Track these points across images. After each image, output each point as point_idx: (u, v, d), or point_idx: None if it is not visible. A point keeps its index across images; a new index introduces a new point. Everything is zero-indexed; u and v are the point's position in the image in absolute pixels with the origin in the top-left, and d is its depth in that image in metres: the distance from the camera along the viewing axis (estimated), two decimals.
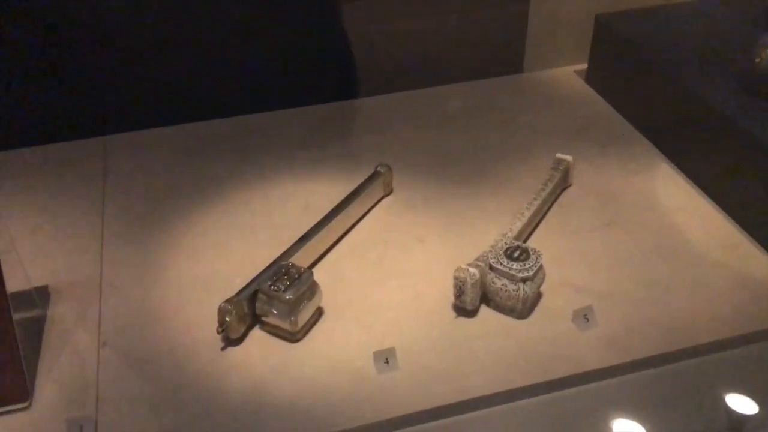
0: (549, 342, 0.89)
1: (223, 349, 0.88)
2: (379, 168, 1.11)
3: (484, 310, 0.93)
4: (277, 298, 0.86)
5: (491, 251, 0.91)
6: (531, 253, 0.90)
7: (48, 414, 0.81)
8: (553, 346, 0.88)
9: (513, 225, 0.98)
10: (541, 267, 0.90)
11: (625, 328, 0.90)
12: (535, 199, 1.03)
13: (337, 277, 0.99)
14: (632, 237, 1.04)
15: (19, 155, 1.24)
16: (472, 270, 0.89)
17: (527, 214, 1.01)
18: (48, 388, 0.84)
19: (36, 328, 0.90)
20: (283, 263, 0.90)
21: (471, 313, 0.92)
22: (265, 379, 0.85)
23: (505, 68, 1.44)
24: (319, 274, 0.98)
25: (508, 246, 0.91)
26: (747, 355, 0.89)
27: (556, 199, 1.11)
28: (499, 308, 0.92)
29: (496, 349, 0.88)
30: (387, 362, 0.85)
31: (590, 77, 1.41)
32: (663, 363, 0.86)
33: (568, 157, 1.11)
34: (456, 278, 0.89)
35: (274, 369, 0.86)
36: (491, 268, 0.90)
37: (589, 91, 1.40)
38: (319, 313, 0.92)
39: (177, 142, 1.27)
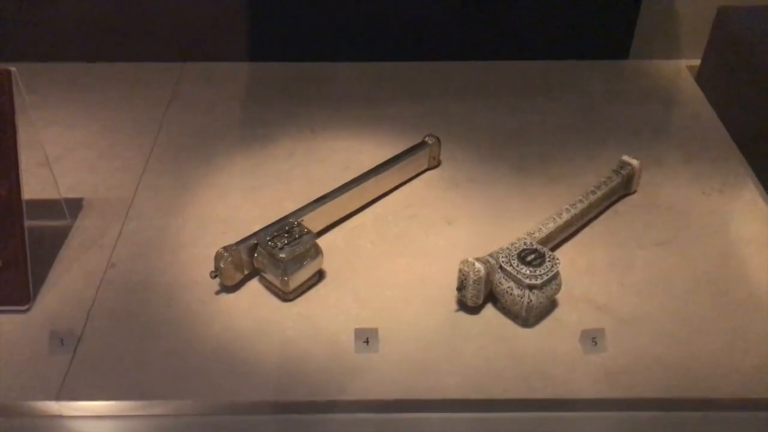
0: (545, 358, 0.81)
1: (216, 293, 0.88)
2: (426, 138, 1.05)
3: (489, 310, 0.87)
4: (272, 255, 0.84)
5: (508, 249, 0.85)
6: (547, 259, 0.82)
7: (40, 322, 0.85)
8: (548, 364, 0.81)
9: (545, 225, 0.90)
10: (555, 276, 0.82)
11: (635, 362, 0.81)
12: (580, 201, 0.94)
13: (351, 243, 0.96)
14: (683, 262, 0.93)
15: (95, 68, 1.29)
16: (478, 265, 0.82)
17: (565, 217, 0.92)
18: (49, 297, 0.88)
19: (59, 238, 0.95)
20: (290, 221, 0.88)
21: (473, 310, 0.86)
22: (244, 331, 0.84)
23: (610, 52, 1.32)
24: (334, 237, 0.97)
25: (525, 248, 0.84)
26: (758, 421, 0.77)
27: (611, 204, 1.01)
28: (505, 311, 0.85)
29: (485, 354, 0.82)
30: (367, 342, 0.81)
31: (701, 75, 1.25)
32: (659, 409, 0.77)
33: (635, 162, 1.00)
34: (460, 270, 0.83)
35: (258, 323, 0.85)
36: (501, 267, 0.83)
37: (696, 91, 1.25)
38: (318, 276, 0.90)
39: (247, 79, 1.27)
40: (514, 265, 0.82)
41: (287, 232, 0.86)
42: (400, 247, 0.95)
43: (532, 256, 0.83)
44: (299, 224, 0.88)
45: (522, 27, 1.28)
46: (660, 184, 1.05)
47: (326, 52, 1.29)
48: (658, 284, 0.90)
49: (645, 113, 1.19)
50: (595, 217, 0.99)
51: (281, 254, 0.84)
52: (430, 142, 1.05)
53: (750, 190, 1.04)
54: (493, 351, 0.82)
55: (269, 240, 0.85)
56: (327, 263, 0.91)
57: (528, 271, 0.81)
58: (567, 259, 0.93)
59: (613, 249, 0.95)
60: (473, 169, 1.08)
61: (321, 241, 0.95)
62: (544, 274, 0.81)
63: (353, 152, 1.09)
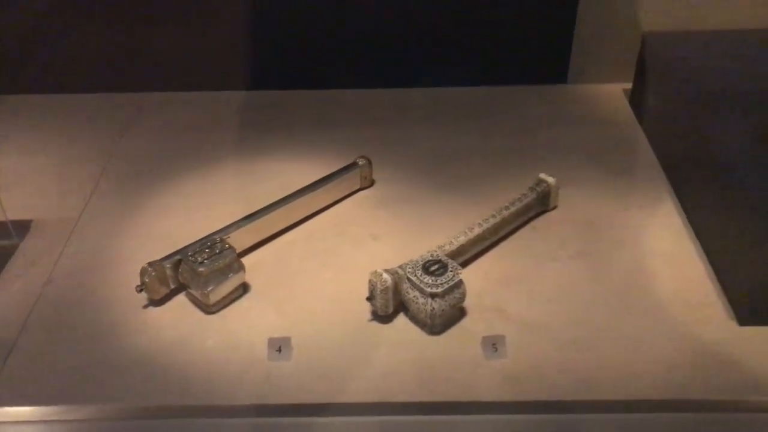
0: (449, 364, 0.85)
1: (144, 307, 0.94)
2: (358, 160, 1.11)
3: (401, 319, 0.91)
4: (193, 269, 0.89)
5: (415, 261, 0.89)
6: (449, 269, 0.87)
7: None
8: (450, 369, 0.85)
9: (455, 239, 0.95)
10: (457, 285, 0.87)
11: (535, 367, 0.85)
12: (493, 216, 0.99)
13: (279, 259, 1.01)
14: (593, 274, 0.97)
15: (53, 99, 1.37)
16: (385, 276, 0.87)
17: (476, 231, 0.96)
18: None
19: (3, 257, 1.01)
20: (213, 237, 0.94)
21: (385, 319, 0.91)
22: (167, 342, 0.89)
23: (548, 77, 1.37)
24: (264, 253, 1.02)
25: (430, 259, 0.88)
26: (654, 423, 0.80)
27: (529, 220, 1.05)
28: (414, 319, 0.90)
29: (393, 360, 0.86)
30: (279, 350, 0.86)
31: (633, 98, 1.31)
32: (557, 411, 0.81)
33: (551, 179, 1.05)
34: (369, 281, 0.88)
35: (180, 335, 0.90)
36: (407, 277, 0.88)
37: (629, 114, 1.30)
38: (243, 290, 0.95)
39: (199, 108, 1.34)
40: (418, 275, 0.87)
41: (209, 247, 0.91)
42: (326, 263, 1.00)
43: (436, 267, 0.87)
44: (221, 240, 0.93)
45: (463, 54, 1.34)
46: (582, 200, 1.10)
47: (276, 80, 1.36)
48: (566, 294, 0.94)
49: (579, 135, 1.24)
50: (513, 232, 1.04)
51: (200, 268, 0.89)
52: (361, 163, 1.11)
53: (667, 207, 1.08)
54: (400, 357, 0.87)
55: (191, 255, 0.90)
56: (253, 277, 0.96)
57: (430, 281, 0.86)
58: (481, 270, 0.98)
59: (528, 261, 0.99)
60: (405, 189, 1.13)
61: (250, 257, 1.00)
62: (445, 282, 0.86)
63: (296, 174, 1.14)
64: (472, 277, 0.96)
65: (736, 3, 1.26)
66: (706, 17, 1.25)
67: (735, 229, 0.90)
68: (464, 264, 0.98)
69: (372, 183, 1.13)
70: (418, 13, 1.31)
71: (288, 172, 1.16)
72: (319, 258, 1.01)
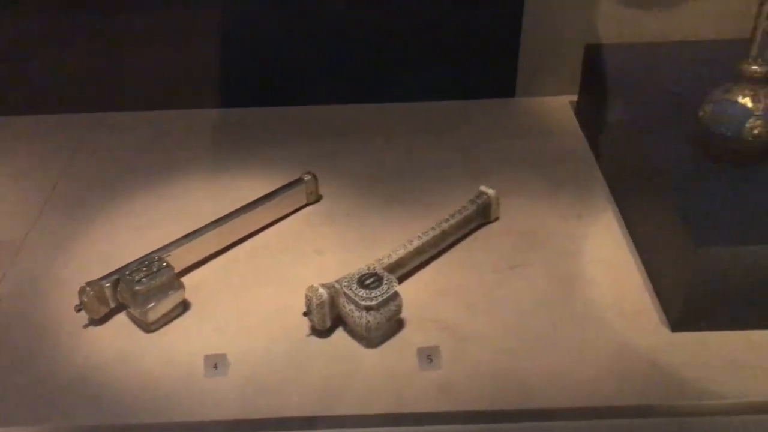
0: (385, 376, 0.86)
1: (85, 326, 0.94)
2: (303, 175, 1.12)
3: (340, 333, 0.92)
4: (130, 288, 0.90)
5: (352, 275, 0.90)
6: (384, 282, 0.88)
7: None
8: (386, 381, 0.85)
9: (395, 252, 0.96)
10: (392, 298, 0.88)
11: (470, 377, 0.86)
12: (432, 229, 1.00)
13: (221, 276, 1.01)
14: (532, 283, 0.98)
15: (2, 121, 1.37)
16: (321, 290, 0.88)
17: (416, 243, 0.98)
18: None
19: None
20: (151, 255, 0.94)
21: (324, 334, 0.91)
22: (106, 361, 0.89)
23: (497, 91, 1.39)
24: (206, 270, 1.02)
25: (366, 272, 0.89)
26: (588, 430, 0.82)
27: (471, 231, 1.07)
28: (352, 333, 0.91)
29: (330, 373, 0.87)
30: (216, 367, 0.86)
31: (578, 110, 1.33)
32: (491, 421, 0.82)
33: (491, 191, 1.06)
34: (306, 296, 0.89)
35: (119, 353, 0.90)
36: (344, 291, 0.88)
37: (574, 125, 1.32)
38: (183, 308, 0.95)
39: (152, 127, 1.34)
40: (354, 289, 0.88)
41: (147, 266, 0.92)
42: (269, 279, 1.01)
43: (371, 280, 0.88)
44: (160, 258, 0.93)
45: (412, 70, 1.36)
46: (524, 211, 1.11)
47: (230, 98, 1.37)
48: (504, 304, 0.96)
49: (525, 147, 1.26)
50: (455, 243, 1.05)
51: (138, 287, 0.89)
52: (306, 178, 1.12)
53: (608, 216, 1.09)
54: (337, 371, 0.87)
55: (128, 274, 0.91)
56: (195, 295, 0.97)
57: (365, 294, 0.87)
58: (422, 282, 0.99)
59: (468, 272, 1.01)
60: (352, 204, 1.14)
61: (193, 274, 1.01)
62: (379, 296, 0.87)
63: (249, 191, 1.13)
64: (412, 288, 0.97)
65: (676, 16, 1.29)
66: (646, 29, 1.28)
67: (667, 236, 0.92)
68: (405, 276, 0.99)
69: (319, 198, 1.14)
70: (367, 31, 1.33)
71: (240, 190, 1.16)
72: (262, 274, 1.02)
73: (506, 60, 1.36)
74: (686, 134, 1.00)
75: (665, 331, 0.91)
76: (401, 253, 0.96)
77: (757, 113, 0.90)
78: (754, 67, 0.90)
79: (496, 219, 1.09)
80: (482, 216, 1.07)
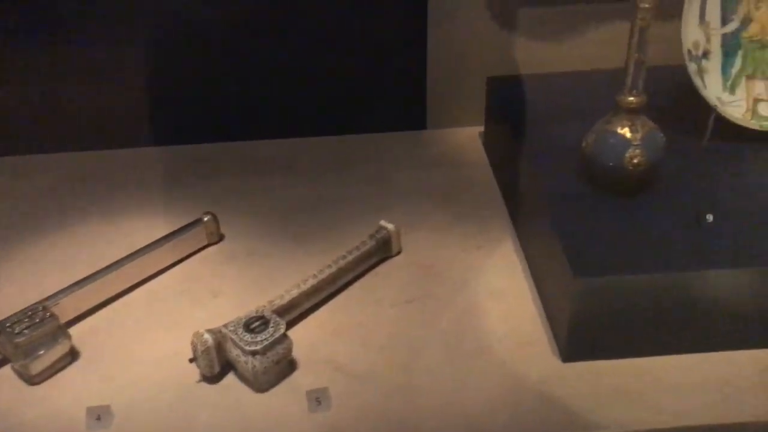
0: (273, 421, 0.85)
1: None
2: (202, 216, 1.11)
3: (230, 378, 0.90)
4: (11, 340, 0.87)
5: (239, 319, 0.89)
6: (271, 325, 0.87)
7: None
8: (274, 426, 0.84)
9: (288, 293, 0.95)
10: (279, 341, 0.87)
11: (360, 418, 0.85)
12: (329, 267, 1.00)
13: (114, 323, 0.99)
14: (429, 317, 0.98)
15: None
16: (206, 336, 0.87)
17: (311, 282, 0.97)
18: None
19: None
20: (36, 305, 0.92)
21: (214, 379, 0.90)
22: None
23: (408, 123, 1.40)
24: (98, 318, 1.00)
25: (252, 316, 0.88)
26: None
27: (372, 267, 1.07)
28: (242, 378, 0.89)
29: (216, 421, 0.85)
30: (99, 419, 0.84)
31: (485, 141, 1.34)
32: None
33: (390, 226, 1.07)
34: (191, 342, 0.87)
35: (1, 408, 0.87)
36: (230, 336, 0.87)
37: (482, 156, 1.33)
38: (71, 358, 0.93)
39: (52, 171, 1.30)
40: (239, 333, 0.86)
41: (29, 316, 0.89)
42: (162, 324, 0.99)
43: (257, 323, 0.87)
44: (44, 308, 0.91)
45: (319, 104, 1.36)
46: (426, 244, 1.11)
47: (128, 137, 1.35)
48: (399, 340, 0.95)
49: (432, 180, 1.26)
50: (355, 280, 1.05)
51: (18, 339, 0.87)
52: (205, 219, 1.10)
53: (507, 247, 1.10)
54: (224, 418, 0.86)
55: (9, 326, 0.88)
56: (84, 344, 0.95)
57: (249, 338, 0.86)
58: (318, 321, 0.99)
59: (366, 309, 1.00)
60: (254, 243, 1.13)
61: (84, 323, 0.99)
62: (264, 339, 0.85)
63: (145, 234, 1.11)
64: (307, 329, 0.97)
65: (577, 46, 1.32)
66: (548, 60, 1.30)
67: (553, 266, 0.93)
68: (301, 316, 0.98)
69: (220, 238, 1.13)
70: (274, 65, 1.33)
71: (138, 233, 1.14)
72: (156, 319, 0.99)
73: (415, 92, 1.37)
74: (574, 164, 1.02)
75: (557, 361, 0.92)
76: (294, 293, 0.95)
77: (636, 143, 0.92)
78: (630, 98, 0.92)
79: (398, 253, 1.10)
80: (383, 251, 1.07)
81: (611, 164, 0.93)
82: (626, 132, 0.92)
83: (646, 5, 0.84)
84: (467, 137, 1.39)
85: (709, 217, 0.89)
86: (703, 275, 0.85)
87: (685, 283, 0.85)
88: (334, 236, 1.13)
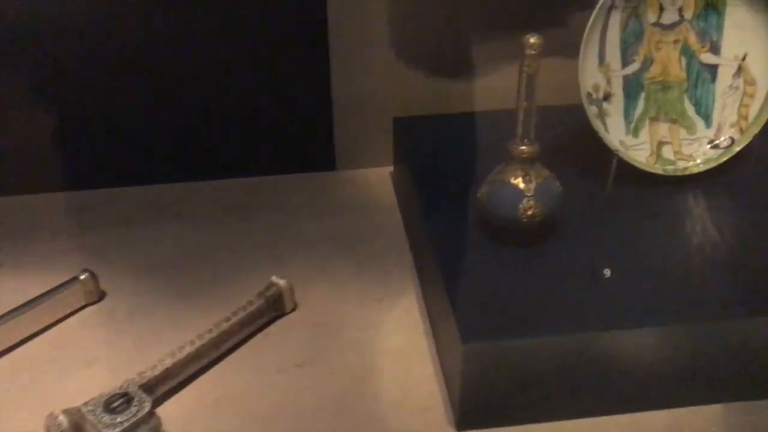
0: None
1: None
2: (80, 274, 1.02)
3: None
4: None
5: (100, 396, 0.81)
6: (135, 403, 0.79)
7: None
8: None
9: (161, 362, 0.87)
10: (143, 420, 0.79)
11: None
12: (210, 331, 0.92)
13: None
14: (320, 382, 0.91)
15: None
16: (61, 418, 0.78)
17: (188, 350, 0.89)
18: None
19: None
20: None
21: None
22: None
23: (316, 164, 1.34)
24: None
25: (113, 393, 0.80)
26: None
27: (263, 327, 0.99)
28: None
29: None
30: None
31: (395, 182, 1.29)
32: None
33: (282, 282, 1.00)
34: (45, 425, 0.79)
35: None
36: (88, 417, 0.79)
37: (393, 198, 1.27)
38: None
39: None
40: (98, 414, 0.78)
41: None
42: (22, 400, 0.89)
43: (119, 402, 0.79)
44: None
45: (217, 143, 1.28)
46: (324, 299, 1.04)
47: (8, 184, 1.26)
48: (285, 409, 0.88)
49: (338, 225, 1.20)
50: (243, 342, 0.97)
51: None
52: (82, 277, 1.02)
53: (409, 300, 1.04)
54: None
55: None
56: None
57: (108, 420, 0.78)
58: (197, 392, 0.91)
59: (252, 375, 0.92)
60: (137, 301, 1.04)
61: None
62: (126, 420, 0.78)
63: (17, 295, 1.02)
64: (183, 401, 0.89)
65: (484, 86, 1.27)
66: (454, 100, 1.26)
67: (446, 327, 0.87)
68: (178, 386, 0.90)
69: (101, 296, 1.04)
70: (169, 103, 1.25)
71: (8, 293, 1.04)
72: (15, 395, 0.90)
73: (322, 132, 1.31)
74: (472, 213, 0.97)
75: (451, 430, 0.86)
76: (168, 363, 0.87)
77: (529, 194, 0.87)
78: (522, 147, 0.87)
79: (293, 309, 1.03)
80: (274, 309, 1.00)
81: (506, 216, 0.88)
82: (519, 182, 0.87)
83: (532, 52, 0.80)
84: (379, 178, 1.33)
85: (607, 272, 0.85)
86: (599, 336, 0.80)
87: (580, 345, 0.80)
88: (224, 292, 1.05)
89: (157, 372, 0.86)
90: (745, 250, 0.92)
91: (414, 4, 1.21)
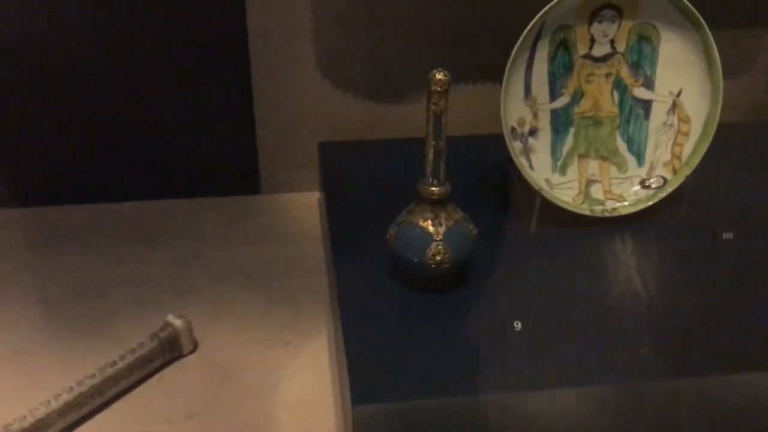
0: None
1: None
2: None
3: None
4: None
5: None
6: None
7: None
8: None
9: (32, 413, 0.79)
10: None
11: None
12: (92, 377, 0.84)
13: None
14: None
15: None
16: None
17: (65, 398, 0.81)
18: None
19: None
20: None
21: None
22: None
23: (239, 188, 1.27)
24: None
25: None
26: None
27: (157, 370, 0.92)
28: None
29: None
30: None
31: (321, 207, 1.22)
32: None
33: (178, 322, 0.92)
34: None
35: None
36: None
37: (317, 225, 1.21)
38: None
39: None
40: None
41: None
42: None
43: None
44: None
45: (135, 164, 1.21)
46: (228, 339, 0.97)
47: None
48: None
49: (255, 256, 1.12)
50: (134, 386, 0.89)
51: None
52: None
53: (320, 342, 0.97)
54: None
55: None
56: None
57: None
58: None
59: (137, 427, 0.85)
60: (19, 340, 0.95)
61: None
62: None
63: None
64: None
65: (407, 113, 1.21)
66: (381, 126, 1.20)
67: (346, 382, 0.80)
68: None
69: None
70: (80, 120, 1.17)
71: None
72: None
73: (246, 154, 1.24)
74: (384, 254, 0.91)
75: None
76: (41, 413, 0.79)
77: (438, 238, 0.81)
78: (432, 188, 0.81)
79: (193, 350, 0.95)
80: (170, 350, 0.92)
81: (413, 261, 0.82)
82: (428, 225, 0.81)
83: (438, 89, 0.74)
84: (307, 204, 1.26)
85: (517, 325, 0.79)
86: (502, 398, 0.74)
87: (480, 409, 0.74)
88: (120, 330, 0.97)
89: (26, 424, 0.78)
90: (668, 306, 0.86)
91: (341, 27, 1.15)
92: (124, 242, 1.14)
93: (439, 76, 0.74)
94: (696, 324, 0.83)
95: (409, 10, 1.14)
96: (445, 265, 0.81)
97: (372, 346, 0.79)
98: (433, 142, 0.77)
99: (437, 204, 0.81)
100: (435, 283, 0.84)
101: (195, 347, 0.95)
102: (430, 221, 0.81)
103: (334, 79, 1.16)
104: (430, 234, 0.80)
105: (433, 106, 0.75)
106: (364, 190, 1.06)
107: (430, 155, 0.78)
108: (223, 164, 1.25)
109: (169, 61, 1.15)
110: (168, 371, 0.92)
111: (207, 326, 0.97)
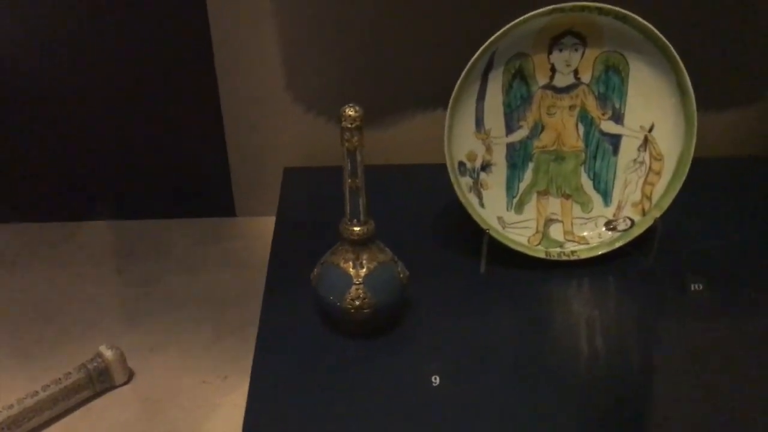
0: None
1: None
2: None
3: None
4: None
5: None
6: None
7: None
8: None
9: None
10: None
11: None
12: (9, 408, 0.83)
13: None
14: None
15: None
16: None
17: None
18: None
19: None
20: None
21: None
22: None
23: (213, 209, 1.24)
24: None
25: None
26: None
27: (87, 401, 0.89)
28: None
29: None
30: None
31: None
32: None
33: (109, 352, 0.90)
34: None
35: None
36: None
37: None
38: None
39: None
40: None
41: None
42: None
43: None
44: None
45: (106, 182, 1.20)
46: (165, 371, 0.94)
47: None
48: None
49: (215, 282, 1.09)
50: (58, 418, 0.87)
51: None
52: None
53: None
54: None
55: None
56: None
57: None
58: None
59: None
60: None
61: None
62: None
63: None
64: None
65: (375, 140, 1.13)
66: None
67: None
68: None
69: None
70: (51, 138, 1.17)
71: None
72: None
73: (218, 176, 1.22)
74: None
75: None
76: None
77: (358, 281, 0.76)
78: (354, 228, 0.76)
79: (127, 381, 0.93)
80: (101, 381, 0.90)
81: (333, 304, 0.77)
82: (349, 267, 0.76)
83: (349, 125, 0.69)
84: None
85: (435, 380, 0.73)
86: None
87: None
88: (53, 357, 0.95)
89: None
90: (615, 368, 0.78)
91: (311, 51, 1.11)
92: (89, 262, 1.13)
93: (349, 111, 0.69)
94: (643, 392, 0.75)
95: (380, 37, 1.09)
96: (365, 311, 0.76)
97: (275, 392, 0.75)
98: (349, 180, 0.72)
99: (358, 244, 0.76)
100: (359, 327, 0.79)
101: (130, 378, 0.93)
102: (351, 263, 0.76)
103: (307, 104, 1.13)
104: (350, 276, 0.76)
105: (346, 143, 0.70)
106: (318, 219, 1.01)
107: (348, 193, 0.73)
108: (196, 186, 1.23)
109: (140, 83, 1.14)
110: (97, 402, 0.90)
111: (147, 356, 0.95)
